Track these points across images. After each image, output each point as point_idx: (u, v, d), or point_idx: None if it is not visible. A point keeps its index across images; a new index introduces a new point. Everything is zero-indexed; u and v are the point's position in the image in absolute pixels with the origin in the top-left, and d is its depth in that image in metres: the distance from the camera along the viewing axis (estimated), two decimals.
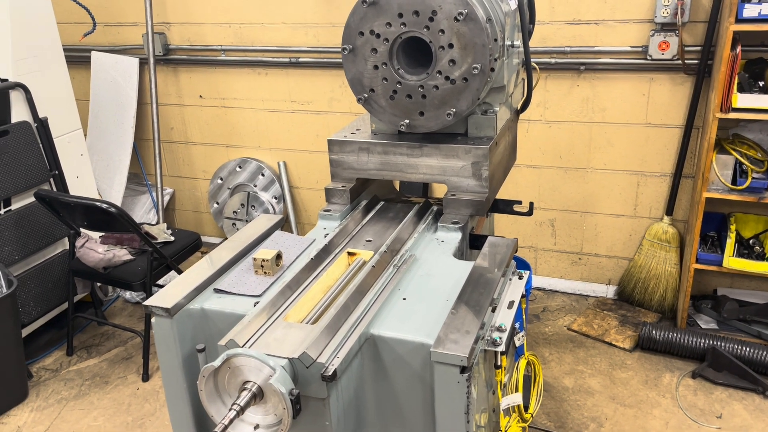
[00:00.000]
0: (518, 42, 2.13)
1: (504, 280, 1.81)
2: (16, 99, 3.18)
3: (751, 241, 3.13)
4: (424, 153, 2.10)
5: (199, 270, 1.85)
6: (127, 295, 3.89)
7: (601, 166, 3.48)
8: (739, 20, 2.69)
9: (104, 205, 2.83)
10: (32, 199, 3.15)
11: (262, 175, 4.20)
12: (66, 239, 3.41)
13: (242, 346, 1.48)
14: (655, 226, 3.45)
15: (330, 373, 1.41)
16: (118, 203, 4.12)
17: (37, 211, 3.21)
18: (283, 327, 1.56)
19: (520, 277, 1.87)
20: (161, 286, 3.47)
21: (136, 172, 4.51)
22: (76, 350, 3.46)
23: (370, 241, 2.00)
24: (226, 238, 4.46)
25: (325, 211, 2.18)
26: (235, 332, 1.54)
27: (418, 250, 1.96)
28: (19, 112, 3.19)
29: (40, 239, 3.28)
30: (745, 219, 3.21)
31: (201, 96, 4.20)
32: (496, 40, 1.93)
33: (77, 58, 4.26)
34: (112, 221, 2.91)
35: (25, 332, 3.21)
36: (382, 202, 2.29)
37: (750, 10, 2.66)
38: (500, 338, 1.59)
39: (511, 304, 1.73)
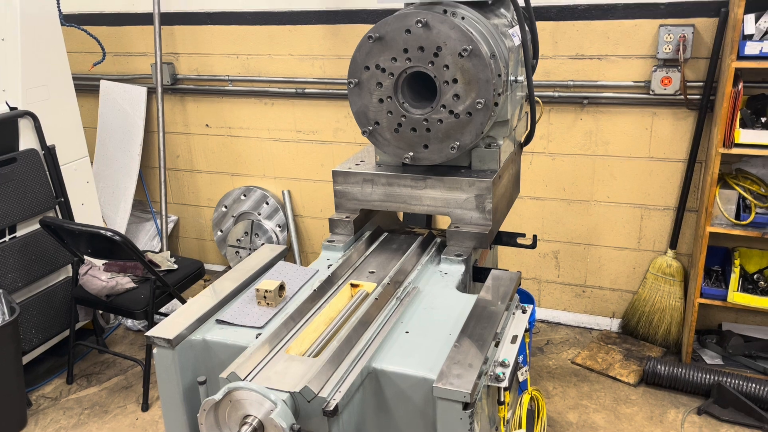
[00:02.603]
0: (522, 77, 2.16)
1: (507, 314, 1.80)
2: (25, 127, 3.21)
3: (755, 276, 3.12)
4: (428, 185, 2.11)
5: (201, 300, 1.85)
6: (129, 322, 3.88)
7: (604, 199, 3.49)
8: (741, 57, 2.71)
9: (109, 233, 2.85)
10: (37, 225, 3.17)
11: (267, 203, 4.22)
12: (69, 266, 3.42)
13: (244, 379, 1.47)
14: (659, 259, 3.45)
15: (332, 408, 1.40)
16: (123, 230, 4.13)
17: (42, 238, 3.22)
18: (285, 360, 1.56)
19: (524, 311, 1.87)
20: (164, 314, 3.47)
21: (140, 199, 4.53)
22: (76, 378, 3.43)
23: (373, 272, 2.00)
24: (229, 266, 4.46)
25: (328, 241, 2.19)
26: (236, 365, 1.53)
27: (422, 283, 1.96)
28: (27, 140, 3.23)
29: (43, 266, 3.29)
30: (749, 254, 3.20)
31: (207, 125, 4.24)
32: (499, 75, 1.95)
33: (86, 87, 4.32)
34: (116, 249, 2.92)
35: (25, 360, 3.19)
36: (386, 233, 2.30)
37: (751, 48, 2.69)
38: (503, 374, 1.58)
39: (514, 339, 1.72)
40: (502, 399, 1.63)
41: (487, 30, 1.98)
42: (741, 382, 2.91)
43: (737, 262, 3.09)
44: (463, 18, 1.95)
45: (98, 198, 3.76)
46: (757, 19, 2.73)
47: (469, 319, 1.69)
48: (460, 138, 1.99)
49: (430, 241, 2.22)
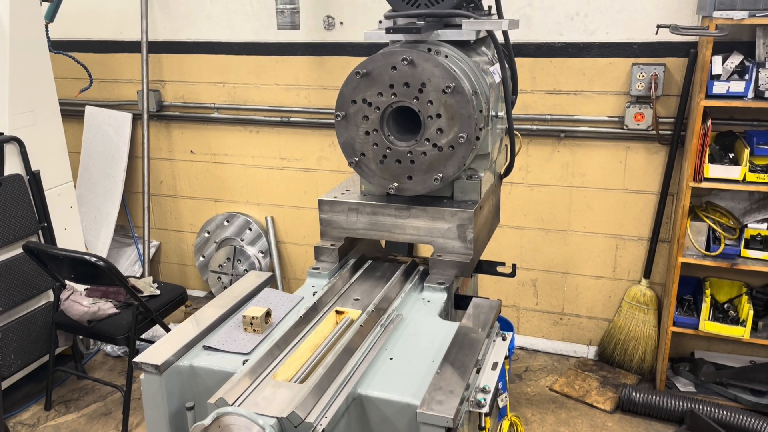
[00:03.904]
0: (502, 112, 2.25)
1: (488, 342, 1.85)
2: (10, 152, 3.23)
3: (725, 306, 3.22)
4: (411, 215, 2.18)
5: (188, 327, 1.88)
6: (108, 348, 3.85)
7: (581, 229, 3.59)
8: (709, 96, 2.85)
9: (93, 259, 2.86)
10: (19, 250, 3.16)
11: (250, 229, 4.25)
12: (50, 291, 3.40)
13: (232, 405, 1.50)
14: (633, 288, 3.54)
15: None
16: (104, 255, 4.12)
17: (24, 263, 3.21)
18: (272, 386, 1.59)
19: (504, 339, 1.92)
20: (145, 341, 3.46)
21: (122, 224, 4.53)
22: (54, 404, 3.40)
23: (357, 300, 2.05)
24: (211, 292, 4.46)
25: (314, 269, 2.23)
26: (224, 390, 1.56)
27: (405, 310, 2.01)
28: (12, 165, 3.24)
29: (24, 291, 3.27)
30: (719, 284, 3.31)
31: (192, 151, 4.28)
32: (481, 111, 2.04)
33: (72, 112, 4.34)
34: (99, 274, 2.92)
35: (3, 385, 3.15)
36: (370, 261, 2.35)
37: (719, 88, 2.83)
38: (484, 400, 1.63)
39: (495, 366, 1.77)
40: (483, 424, 1.68)
41: (469, 68, 2.07)
42: (713, 410, 2.99)
43: (708, 291, 3.19)
44: (446, 56, 2.04)
45: (80, 223, 3.76)
46: (724, 60, 2.87)
47: (452, 346, 1.74)
48: (443, 170, 2.06)
49: (413, 269, 2.28)
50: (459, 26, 2.09)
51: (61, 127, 3.55)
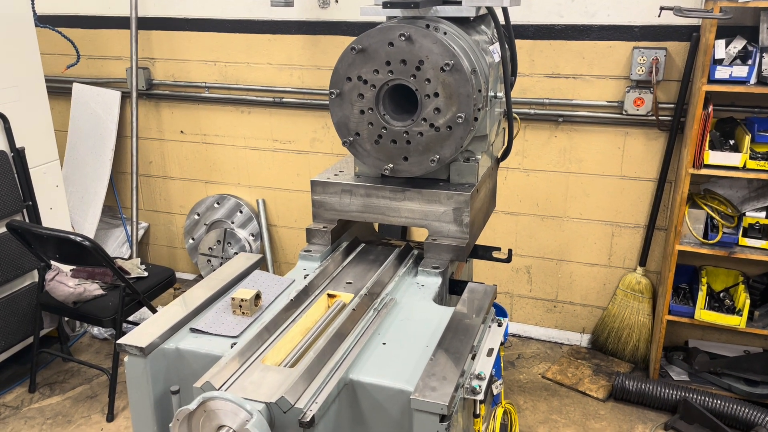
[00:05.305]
0: (500, 93, 2.19)
1: (483, 327, 1.81)
2: None
3: (721, 295, 3.19)
4: (406, 197, 2.12)
5: (175, 309, 1.82)
6: (95, 330, 3.79)
7: (576, 216, 3.54)
8: (711, 81, 2.80)
9: (78, 238, 2.79)
10: (3, 229, 3.09)
11: (240, 212, 4.18)
12: (35, 272, 3.33)
13: (218, 389, 1.45)
14: (628, 276, 3.50)
15: (308, 419, 1.38)
16: (91, 236, 4.05)
17: (7, 242, 3.14)
18: (260, 370, 1.54)
19: (500, 325, 1.88)
20: (132, 323, 3.40)
21: (110, 205, 4.45)
22: (39, 387, 3.34)
23: (350, 283, 1.99)
24: (200, 275, 4.40)
25: (305, 251, 2.17)
26: (211, 374, 1.50)
27: (399, 294, 1.96)
28: None
29: (8, 271, 3.20)
30: (716, 272, 3.28)
31: (182, 131, 4.20)
32: (480, 90, 1.98)
33: (58, 89, 4.24)
34: (85, 255, 2.85)
35: None
36: (363, 244, 2.29)
37: (721, 72, 2.78)
38: (479, 386, 1.58)
39: (490, 352, 1.73)
40: (478, 412, 1.64)
41: (468, 46, 2.01)
42: (706, 399, 2.97)
43: (704, 280, 3.16)
44: (445, 33, 1.97)
45: (67, 202, 3.68)
46: (727, 45, 2.82)
47: (446, 332, 1.70)
48: (440, 151, 2.00)
49: (407, 252, 2.23)
50: (458, 2, 2.02)
51: (47, 104, 3.46)
